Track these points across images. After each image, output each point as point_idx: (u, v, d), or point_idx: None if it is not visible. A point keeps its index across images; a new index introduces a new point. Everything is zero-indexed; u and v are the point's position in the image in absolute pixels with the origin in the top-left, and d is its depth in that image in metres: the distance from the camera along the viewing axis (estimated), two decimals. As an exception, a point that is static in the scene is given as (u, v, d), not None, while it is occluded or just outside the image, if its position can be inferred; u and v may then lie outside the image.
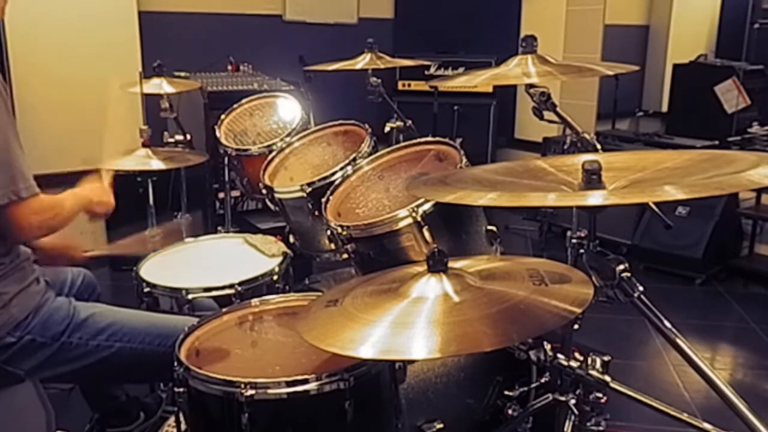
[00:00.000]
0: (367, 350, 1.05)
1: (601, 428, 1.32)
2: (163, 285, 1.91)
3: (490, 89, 4.84)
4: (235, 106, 2.59)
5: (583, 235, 1.19)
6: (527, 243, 4.47)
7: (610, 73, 1.63)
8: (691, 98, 4.84)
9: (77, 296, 1.93)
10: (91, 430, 2.19)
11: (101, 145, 2.06)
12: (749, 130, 4.27)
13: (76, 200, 1.75)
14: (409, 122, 2.54)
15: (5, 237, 1.58)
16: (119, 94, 2.30)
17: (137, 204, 2.55)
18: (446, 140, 1.89)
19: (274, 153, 2.24)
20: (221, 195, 3.49)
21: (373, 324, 1.11)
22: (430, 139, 1.94)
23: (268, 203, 2.11)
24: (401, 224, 1.60)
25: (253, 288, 1.91)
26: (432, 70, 4.85)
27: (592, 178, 1.02)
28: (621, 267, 1.10)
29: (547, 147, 4.57)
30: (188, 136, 2.62)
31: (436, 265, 1.21)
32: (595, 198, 0.99)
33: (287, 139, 2.27)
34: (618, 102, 4.83)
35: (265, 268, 2.00)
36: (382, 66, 2.57)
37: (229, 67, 4.14)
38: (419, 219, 1.58)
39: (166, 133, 2.67)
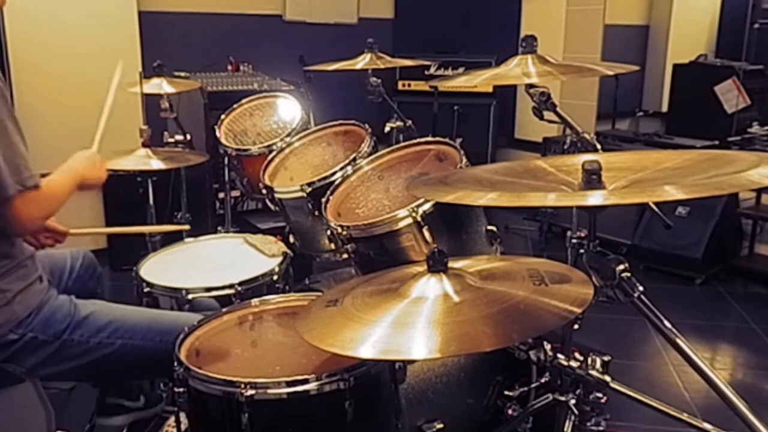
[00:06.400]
0: (367, 350, 1.05)
1: (601, 428, 1.32)
2: (163, 285, 1.91)
3: (490, 89, 4.83)
4: (235, 106, 2.60)
5: (583, 235, 1.19)
6: (527, 243, 4.46)
7: (610, 73, 1.63)
8: (691, 98, 4.83)
9: (79, 280, 1.94)
10: (91, 430, 2.20)
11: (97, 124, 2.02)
12: (749, 130, 4.26)
13: (70, 179, 1.70)
14: (409, 122, 2.54)
15: (7, 232, 1.56)
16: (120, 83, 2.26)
17: (137, 204, 2.56)
18: (446, 140, 1.89)
19: (274, 153, 2.24)
20: (221, 195, 3.49)
21: (373, 324, 1.11)
22: (430, 139, 1.94)
23: (268, 203, 2.11)
24: (401, 224, 1.60)
25: (253, 288, 1.91)
26: (432, 70, 4.85)
27: (592, 178, 1.02)
28: (621, 267, 1.10)
29: (547, 147, 4.57)
30: (188, 136, 2.62)
31: (436, 265, 1.21)
32: (595, 198, 0.99)
33: (287, 139, 2.27)
34: (618, 102, 4.82)
35: (265, 268, 2.00)
36: (382, 66, 2.57)
37: (229, 67, 4.14)
38: (419, 219, 1.58)
39: (166, 133, 2.67)
